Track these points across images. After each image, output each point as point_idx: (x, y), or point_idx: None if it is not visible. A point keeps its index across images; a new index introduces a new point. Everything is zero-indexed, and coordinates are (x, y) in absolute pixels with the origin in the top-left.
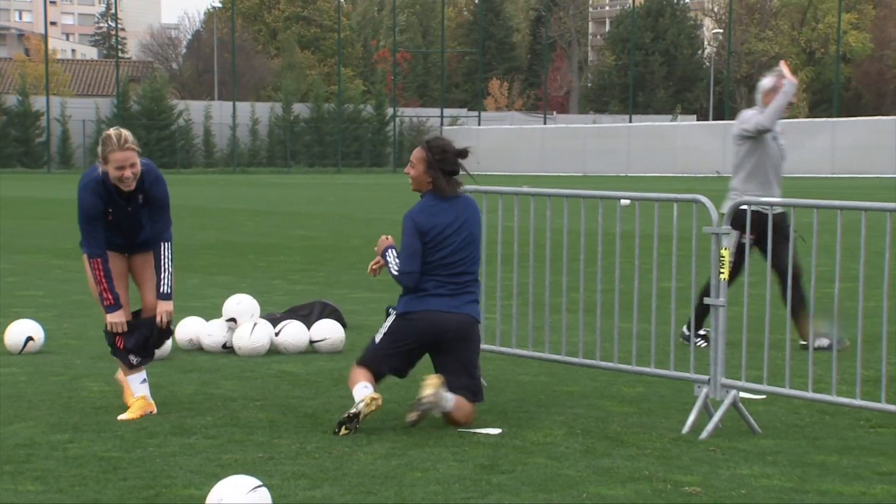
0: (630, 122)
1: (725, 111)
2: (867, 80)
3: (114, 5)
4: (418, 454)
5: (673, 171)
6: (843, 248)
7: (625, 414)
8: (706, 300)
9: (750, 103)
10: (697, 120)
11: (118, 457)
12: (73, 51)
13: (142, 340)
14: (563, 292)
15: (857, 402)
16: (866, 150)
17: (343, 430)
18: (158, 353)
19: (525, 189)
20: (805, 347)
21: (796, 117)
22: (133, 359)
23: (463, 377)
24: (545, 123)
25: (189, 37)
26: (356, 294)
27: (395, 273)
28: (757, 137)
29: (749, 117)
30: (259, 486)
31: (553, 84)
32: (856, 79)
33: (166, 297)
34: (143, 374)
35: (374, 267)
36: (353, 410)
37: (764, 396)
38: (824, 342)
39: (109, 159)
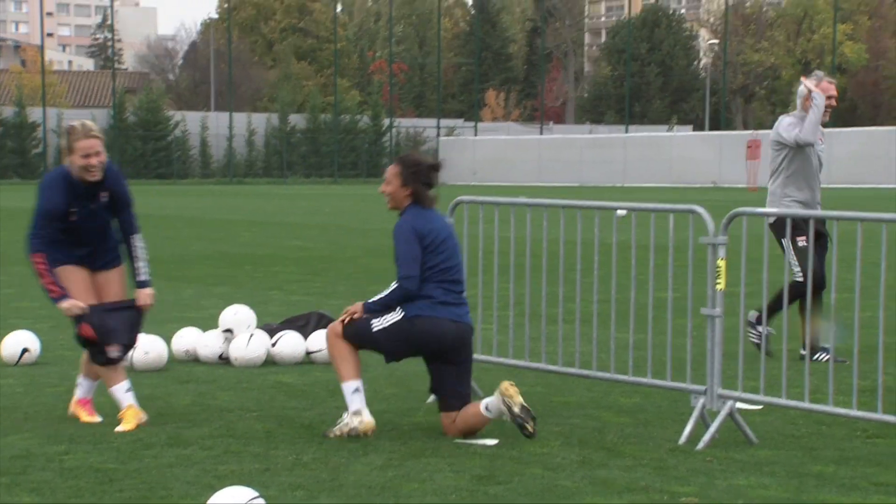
0: (626, 132)
1: (721, 121)
2: (863, 91)
3: (110, 17)
4: (414, 465)
5: (669, 181)
6: (839, 259)
7: (621, 424)
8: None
9: (746, 114)
10: (693, 130)
11: (114, 468)
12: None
13: (126, 326)
14: (559, 303)
15: (854, 412)
16: (862, 160)
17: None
18: (155, 362)
19: (521, 199)
20: (803, 358)
21: None
22: (113, 351)
23: (465, 386)
24: (541, 134)
25: (186, 48)
26: None
27: (392, 290)
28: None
29: (788, 125)
30: (256, 498)
31: (549, 94)
32: (851, 89)
33: (145, 284)
34: (126, 383)
35: (345, 319)
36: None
37: (761, 407)
38: (823, 356)
39: (75, 148)
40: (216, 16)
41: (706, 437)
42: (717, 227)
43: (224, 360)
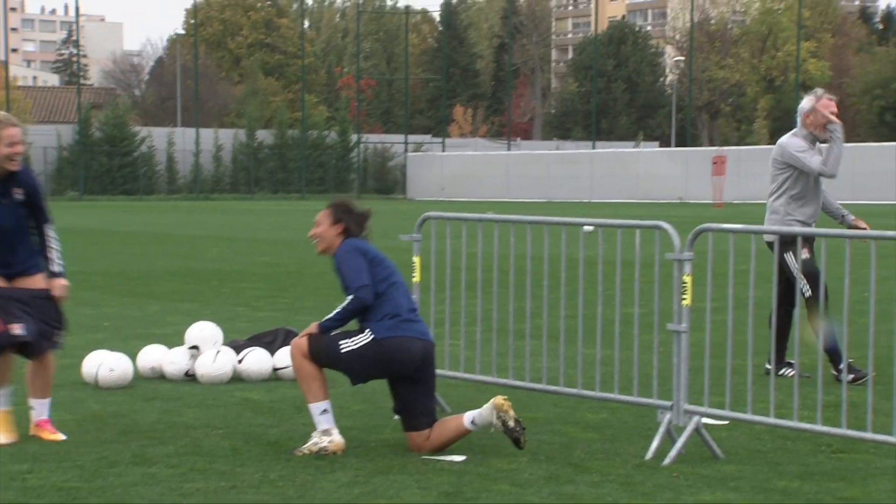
0: (593, 148)
1: (687, 138)
2: None
3: (76, 32)
4: (382, 482)
5: (636, 197)
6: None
7: (588, 440)
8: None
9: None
10: (660, 146)
11: (78, 487)
12: (35, 78)
13: (36, 312)
14: (526, 318)
15: (819, 427)
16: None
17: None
18: (120, 380)
19: (489, 215)
20: (768, 373)
21: (758, 144)
22: (18, 329)
23: (432, 402)
24: (509, 150)
25: (152, 63)
26: None
27: (347, 303)
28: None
29: (801, 150)
30: None
31: (517, 111)
32: None
33: (58, 275)
34: (8, 389)
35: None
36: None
37: (727, 422)
38: (788, 371)
39: (2, 136)
40: (182, 31)
41: (672, 452)
42: (683, 243)
43: (190, 376)
